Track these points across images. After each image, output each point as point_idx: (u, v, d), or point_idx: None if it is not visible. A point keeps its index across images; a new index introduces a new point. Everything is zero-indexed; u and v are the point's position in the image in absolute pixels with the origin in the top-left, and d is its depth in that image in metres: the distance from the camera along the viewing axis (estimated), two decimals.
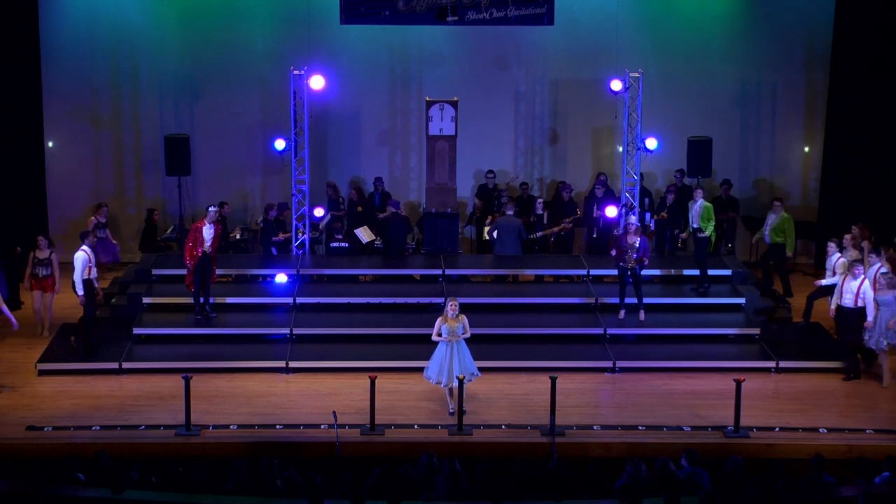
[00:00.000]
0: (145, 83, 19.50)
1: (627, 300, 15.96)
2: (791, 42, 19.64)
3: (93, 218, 18.03)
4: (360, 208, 18.74)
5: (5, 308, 14.74)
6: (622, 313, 16.00)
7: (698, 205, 16.90)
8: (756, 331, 15.91)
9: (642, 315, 15.97)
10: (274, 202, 18.32)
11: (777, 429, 13.56)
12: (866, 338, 14.80)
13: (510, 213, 17.69)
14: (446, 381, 13.76)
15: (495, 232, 17.79)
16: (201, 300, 15.73)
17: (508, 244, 17.56)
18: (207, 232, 15.67)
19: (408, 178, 20.04)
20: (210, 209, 15.90)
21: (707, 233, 16.77)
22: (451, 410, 13.84)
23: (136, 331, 15.72)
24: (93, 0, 19.22)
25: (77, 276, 15.10)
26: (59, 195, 19.48)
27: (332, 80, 17.82)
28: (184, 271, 16.03)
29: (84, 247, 15.24)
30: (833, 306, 15.16)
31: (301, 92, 17.61)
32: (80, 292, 15.13)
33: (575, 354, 15.47)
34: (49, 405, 14.08)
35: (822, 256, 17.10)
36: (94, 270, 15.24)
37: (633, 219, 16.50)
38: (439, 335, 13.83)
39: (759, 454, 12.89)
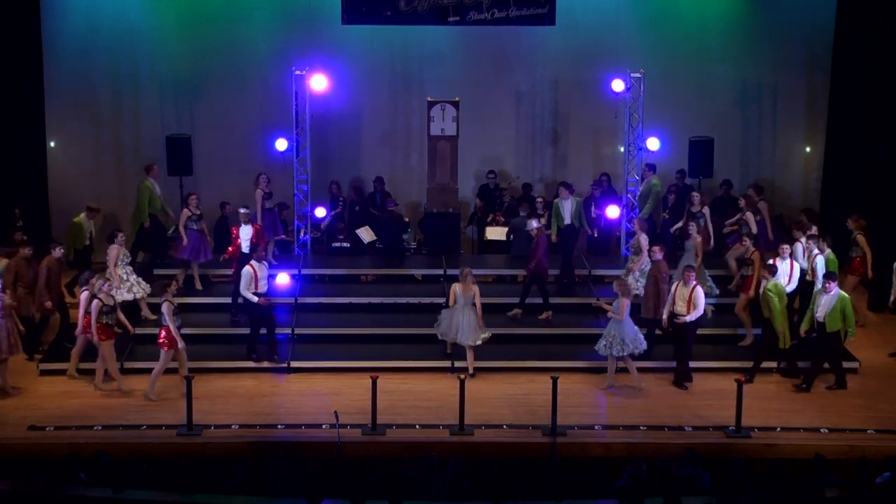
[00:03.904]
0: (146, 83, 19.50)
1: (528, 300, 16.19)
2: (792, 42, 19.63)
3: (259, 191, 17.12)
4: (357, 208, 18.77)
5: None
6: (516, 312, 16.15)
7: (569, 202, 16.93)
8: (757, 330, 15.89)
9: (543, 315, 16.15)
10: (275, 202, 18.30)
11: (778, 429, 13.60)
12: (603, 345, 14.63)
13: (524, 214, 17.67)
14: (451, 337, 14.91)
15: (511, 235, 17.79)
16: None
17: (525, 245, 17.54)
18: (245, 233, 15.90)
19: (409, 178, 19.99)
20: (241, 210, 16.20)
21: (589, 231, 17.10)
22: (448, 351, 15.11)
23: (138, 331, 15.73)
24: (94, 1, 19.25)
25: (244, 292, 14.93)
26: (61, 195, 19.46)
27: (333, 81, 17.81)
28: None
29: (252, 261, 15.06)
30: (666, 314, 14.88)
31: (302, 92, 17.63)
32: (256, 299, 14.91)
33: (576, 354, 15.48)
34: (51, 405, 14.13)
35: None
36: (261, 284, 14.95)
37: (533, 222, 16.49)
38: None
39: (761, 454, 12.93)
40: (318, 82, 17.60)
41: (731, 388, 13.54)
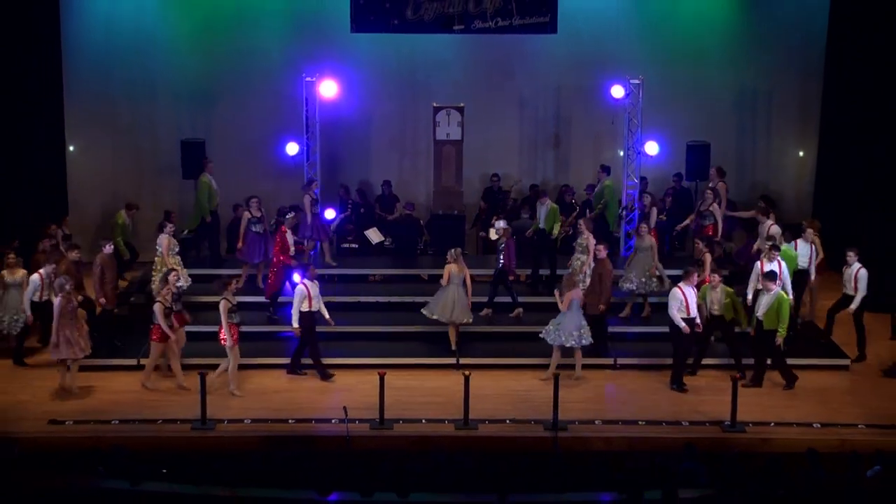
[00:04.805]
0: (162, 90, 19.82)
1: (497, 299, 16.50)
2: (787, 49, 19.88)
3: (307, 196, 17.31)
4: (361, 210, 19.18)
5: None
6: (518, 311, 16.48)
7: (545, 207, 17.31)
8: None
9: (516, 312, 16.50)
10: (286, 205, 18.64)
11: (772, 423, 13.86)
12: (543, 331, 15.04)
13: (525, 216, 18.01)
14: (444, 314, 15.44)
15: (514, 236, 18.14)
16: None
17: (525, 245, 17.90)
18: (290, 236, 16.33)
19: (416, 181, 20.23)
20: (287, 215, 16.55)
21: (554, 234, 17.35)
22: (453, 348, 15.41)
23: None
24: (112, 11, 19.59)
25: (294, 309, 14.99)
26: (80, 199, 19.80)
27: (342, 87, 18.12)
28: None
29: (304, 279, 15.08)
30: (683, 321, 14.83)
31: (312, 98, 17.98)
32: (296, 324, 14.98)
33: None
34: (70, 400, 14.44)
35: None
36: (314, 302, 14.90)
37: (501, 222, 16.82)
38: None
39: (756, 448, 13.21)
40: (328, 88, 17.93)
41: (727, 384, 13.81)
